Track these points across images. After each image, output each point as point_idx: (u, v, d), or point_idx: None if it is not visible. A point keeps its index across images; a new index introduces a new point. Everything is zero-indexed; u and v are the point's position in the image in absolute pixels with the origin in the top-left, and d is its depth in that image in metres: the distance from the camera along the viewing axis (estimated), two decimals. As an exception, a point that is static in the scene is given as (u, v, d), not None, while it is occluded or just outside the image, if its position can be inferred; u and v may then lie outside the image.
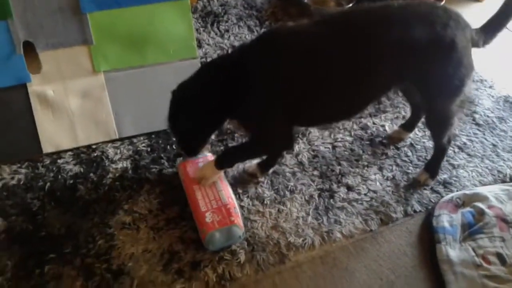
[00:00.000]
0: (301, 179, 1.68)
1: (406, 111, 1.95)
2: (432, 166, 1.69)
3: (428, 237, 1.54)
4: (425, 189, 1.68)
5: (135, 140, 1.78)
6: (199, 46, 2.20)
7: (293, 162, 1.74)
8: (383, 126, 1.90)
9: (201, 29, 2.32)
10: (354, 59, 1.33)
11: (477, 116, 1.97)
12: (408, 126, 1.83)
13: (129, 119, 1.78)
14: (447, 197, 1.63)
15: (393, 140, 1.83)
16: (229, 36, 2.29)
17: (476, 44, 1.45)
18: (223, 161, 1.54)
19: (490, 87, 2.11)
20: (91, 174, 1.65)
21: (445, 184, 1.70)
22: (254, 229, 1.52)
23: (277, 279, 1.42)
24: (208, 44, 2.23)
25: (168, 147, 1.76)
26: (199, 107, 1.39)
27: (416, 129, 1.89)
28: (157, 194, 1.60)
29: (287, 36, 1.37)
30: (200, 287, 1.38)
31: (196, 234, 1.49)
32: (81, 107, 1.74)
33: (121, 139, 1.77)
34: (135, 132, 1.79)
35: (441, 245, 1.48)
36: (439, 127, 1.56)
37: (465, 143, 1.85)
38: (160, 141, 1.78)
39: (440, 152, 1.66)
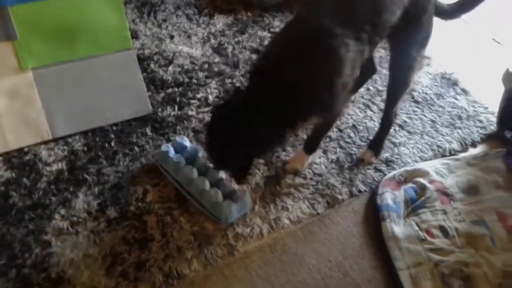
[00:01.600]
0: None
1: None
2: (377, 144, 1.71)
3: (373, 216, 1.56)
4: (368, 168, 1.70)
5: (70, 140, 1.69)
6: (136, 37, 2.12)
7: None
8: (325, 109, 1.89)
9: (137, 19, 2.23)
10: None
11: (415, 94, 2.01)
12: (352, 89, 1.82)
13: (62, 117, 1.69)
14: (390, 175, 1.65)
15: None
16: (167, 26, 2.22)
17: (441, 14, 1.57)
18: (312, 147, 1.63)
19: (427, 64, 2.15)
20: (24, 179, 1.56)
21: (388, 162, 1.72)
22: (199, 223, 1.49)
23: (226, 272, 1.39)
24: (146, 35, 2.15)
25: (106, 144, 1.69)
26: (263, 124, 1.29)
27: (357, 110, 1.90)
28: (95, 195, 1.53)
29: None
30: (146, 288, 1.33)
31: (139, 233, 1.44)
32: (9, 108, 1.63)
33: (55, 140, 1.68)
34: (70, 131, 1.70)
35: (385, 223, 1.49)
36: (400, 83, 1.60)
37: (405, 121, 1.88)
38: (97, 139, 1.70)
39: (386, 126, 1.69)
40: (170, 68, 2.00)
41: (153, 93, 1.89)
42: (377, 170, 1.69)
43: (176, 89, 1.91)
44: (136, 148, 1.68)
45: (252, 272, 1.40)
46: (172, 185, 1.57)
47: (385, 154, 1.74)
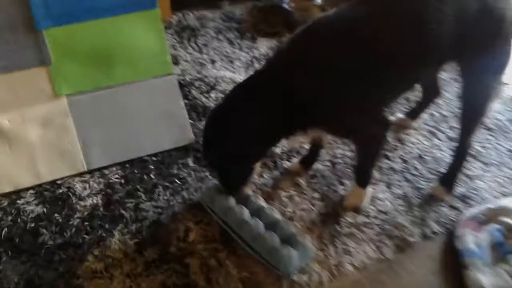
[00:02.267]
0: (300, 204, 1.46)
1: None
2: (449, 178, 1.49)
3: (453, 263, 1.32)
4: (442, 206, 1.47)
5: (106, 172, 1.54)
6: (176, 63, 2.00)
7: (289, 184, 1.52)
8: (386, 137, 1.69)
9: (177, 45, 2.12)
10: (406, 35, 1.21)
11: (487, 120, 1.78)
12: (413, 113, 1.74)
13: (98, 148, 1.55)
14: (469, 213, 1.41)
15: (397, 128, 1.71)
16: (208, 51, 2.10)
17: None
18: (361, 178, 1.43)
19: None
20: (56, 215, 1.41)
21: (463, 198, 1.49)
22: (249, 268, 1.29)
23: (281, 328, 1.19)
24: (186, 61, 2.03)
25: (145, 176, 1.53)
26: (252, 128, 1.22)
27: (422, 139, 1.69)
28: (133, 233, 1.37)
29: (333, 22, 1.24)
30: None
31: (181, 278, 1.25)
32: (42, 138, 1.51)
33: (90, 172, 1.54)
34: (106, 163, 1.56)
35: (469, 272, 1.26)
36: (475, 113, 1.40)
37: (478, 151, 1.66)
38: (136, 171, 1.55)
39: (460, 158, 1.47)
40: (212, 94, 1.86)
41: (195, 121, 1.74)
42: (452, 208, 1.47)
43: (220, 117, 1.75)
44: (177, 180, 1.52)
45: (312, 328, 1.19)
46: (217, 223, 1.39)
47: (459, 189, 1.52)
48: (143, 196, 1.47)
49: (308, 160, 1.56)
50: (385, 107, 1.34)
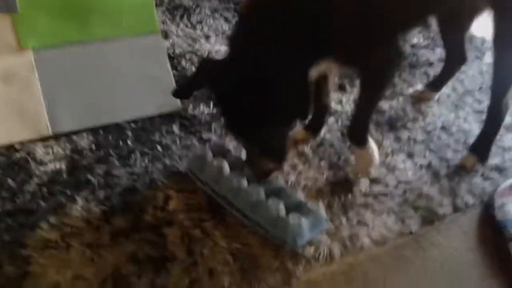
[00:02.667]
0: (305, 172, 1.22)
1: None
2: (481, 147, 1.26)
3: (493, 237, 1.07)
4: (474, 176, 1.23)
5: (75, 138, 1.30)
6: (166, 37, 1.80)
7: (292, 153, 1.28)
8: (403, 109, 1.46)
9: (168, 21, 1.92)
10: None
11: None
12: (435, 84, 1.51)
13: (67, 109, 1.32)
14: (508, 182, 1.17)
15: (417, 101, 1.49)
16: (202, 27, 1.90)
17: None
18: (361, 133, 1.20)
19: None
20: (9, 180, 1.16)
21: (499, 169, 1.25)
22: (241, 238, 1.04)
23: (281, 309, 0.92)
24: (177, 36, 1.82)
25: (121, 142, 1.29)
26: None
27: (445, 110, 1.47)
28: (100, 200, 1.12)
29: None
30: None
31: (155, 250, 1.00)
32: (1, 94, 1.28)
33: (56, 136, 1.30)
34: (76, 127, 1.31)
35: (517, 244, 1.00)
36: (508, 67, 1.18)
37: (512, 123, 1.43)
38: (110, 137, 1.31)
39: (493, 124, 1.25)
40: (206, 66, 1.64)
41: (184, 90, 1.51)
42: (486, 178, 1.23)
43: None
44: (158, 147, 1.28)
45: (320, 310, 0.92)
46: (204, 193, 1.15)
47: (493, 160, 1.28)
48: (116, 162, 1.23)
49: (314, 126, 1.32)
50: (401, 32, 1.15)
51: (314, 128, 1.31)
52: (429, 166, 1.26)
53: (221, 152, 1.19)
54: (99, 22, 1.38)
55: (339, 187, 1.18)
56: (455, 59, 1.45)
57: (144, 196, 1.13)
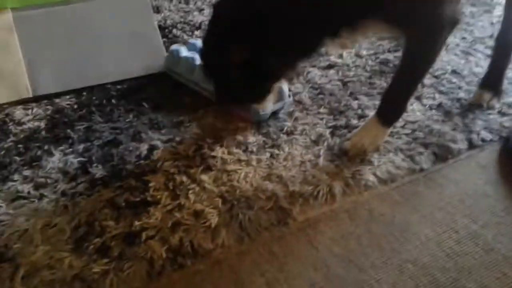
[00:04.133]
0: (302, 119, 1.11)
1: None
2: (495, 80, 1.14)
3: (516, 171, 0.95)
4: (489, 114, 1.11)
5: (57, 100, 1.23)
6: (157, 11, 1.73)
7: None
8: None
9: (160, -1, 1.87)
10: None
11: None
12: (491, 83, 1.16)
13: (48, 71, 1.25)
14: (529, 115, 1.05)
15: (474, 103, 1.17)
16: (196, 2, 1.83)
17: None
18: (395, 109, 1.00)
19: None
20: (-15, 140, 1.08)
21: (517, 107, 1.13)
22: (232, 182, 0.93)
23: (276, 248, 0.81)
24: (169, 10, 1.76)
25: (105, 101, 1.21)
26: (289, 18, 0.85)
27: (455, 57, 1.35)
28: (79, 153, 1.03)
29: None
30: (138, 270, 0.76)
31: (136, 195, 0.90)
32: (-21, 57, 1.22)
33: (37, 99, 1.22)
34: (58, 89, 1.24)
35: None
36: None
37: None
38: (94, 98, 1.23)
39: (506, 52, 1.11)
40: (197, 32, 1.57)
41: (174, 54, 1.44)
42: (503, 114, 1.11)
43: (204, 50, 1.45)
44: (145, 104, 1.19)
45: (320, 248, 0.80)
46: (192, 140, 1.05)
47: (510, 98, 1.16)
48: (98, 118, 1.14)
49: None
50: None
51: None
52: (439, 106, 1.14)
53: (193, 48, 1.27)
54: (82, -19, 1.31)
55: (341, 130, 1.07)
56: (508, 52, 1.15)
57: (127, 147, 1.04)
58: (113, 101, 1.21)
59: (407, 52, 0.94)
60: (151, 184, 0.93)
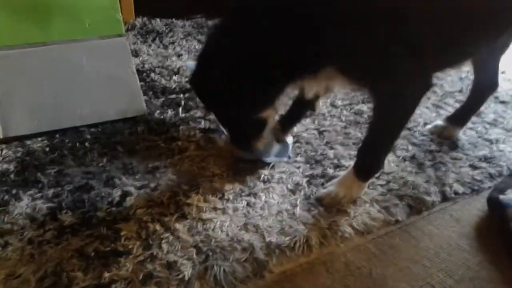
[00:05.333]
0: (279, 167, 1.12)
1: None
2: (463, 116, 1.25)
3: (489, 224, 0.96)
4: (461, 166, 1.14)
5: (28, 142, 1.20)
6: (136, 55, 1.74)
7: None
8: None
9: (140, 43, 1.88)
10: None
11: (499, 95, 1.51)
12: (460, 118, 1.27)
13: (21, 112, 1.22)
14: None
15: (439, 136, 1.27)
16: (175, 47, 1.86)
17: None
18: (368, 168, 1.01)
19: (503, 72, 1.68)
20: None
21: (487, 159, 1.16)
22: (207, 231, 0.91)
23: (252, 303, 0.78)
24: (148, 54, 1.78)
25: (78, 144, 1.19)
26: (248, 60, 0.87)
27: (426, 110, 1.40)
28: (49, 198, 0.99)
29: None
30: (106, 325, 0.73)
31: (106, 244, 0.87)
32: (-51, 97, 1.19)
33: (7, 140, 1.19)
34: (30, 131, 1.22)
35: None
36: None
37: (495, 119, 1.37)
38: (67, 140, 1.21)
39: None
40: (175, 77, 1.58)
41: (151, 98, 1.44)
42: (475, 168, 1.14)
43: (181, 95, 1.46)
44: (119, 147, 1.18)
45: (297, 303, 0.78)
46: (166, 186, 1.03)
47: (480, 152, 1.20)
48: (70, 162, 1.12)
49: (289, 119, 1.22)
50: (432, 58, 0.92)
51: (287, 123, 1.21)
52: (412, 158, 1.16)
53: None
54: (61, 23, 1.30)
55: (317, 179, 1.07)
56: (486, 85, 1.24)
57: (99, 193, 1.01)
58: (87, 144, 1.19)
59: (375, 111, 0.95)
60: (122, 233, 0.90)
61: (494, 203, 0.98)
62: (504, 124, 1.34)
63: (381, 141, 0.98)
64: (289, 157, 1.14)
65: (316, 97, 1.13)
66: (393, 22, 0.83)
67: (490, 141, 1.25)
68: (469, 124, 1.30)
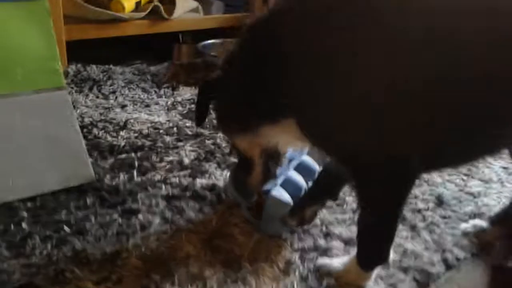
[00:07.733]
0: (262, 241, 0.97)
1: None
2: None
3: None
4: (454, 227, 1.06)
5: None
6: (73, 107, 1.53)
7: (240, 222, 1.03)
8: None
9: (75, 93, 1.67)
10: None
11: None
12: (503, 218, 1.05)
13: None
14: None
15: (482, 241, 1.02)
16: (116, 97, 1.67)
17: None
18: (369, 258, 0.86)
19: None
20: None
21: (476, 215, 1.11)
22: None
23: None
24: (86, 106, 1.57)
25: (12, 226, 0.96)
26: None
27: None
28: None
29: None
30: None
31: None
32: None
33: None
34: None
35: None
36: None
37: (469, 169, 1.32)
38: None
39: None
40: (123, 133, 1.39)
41: (97, 160, 1.24)
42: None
43: (132, 154, 1.28)
44: (66, 228, 0.97)
45: None
46: (133, 277, 0.84)
47: (467, 208, 1.13)
48: (5, 253, 0.89)
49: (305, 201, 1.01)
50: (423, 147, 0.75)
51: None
52: (403, 219, 1.07)
53: None
54: (-13, 76, 1.09)
55: (309, 254, 0.94)
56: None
57: (47, 294, 0.80)
58: (24, 226, 0.96)
59: (358, 200, 0.82)
60: None
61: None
62: (479, 174, 1.30)
63: (375, 235, 0.85)
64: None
65: (340, 184, 1.00)
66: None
67: (473, 195, 1.19)
68: (446, 176, 1.25)
